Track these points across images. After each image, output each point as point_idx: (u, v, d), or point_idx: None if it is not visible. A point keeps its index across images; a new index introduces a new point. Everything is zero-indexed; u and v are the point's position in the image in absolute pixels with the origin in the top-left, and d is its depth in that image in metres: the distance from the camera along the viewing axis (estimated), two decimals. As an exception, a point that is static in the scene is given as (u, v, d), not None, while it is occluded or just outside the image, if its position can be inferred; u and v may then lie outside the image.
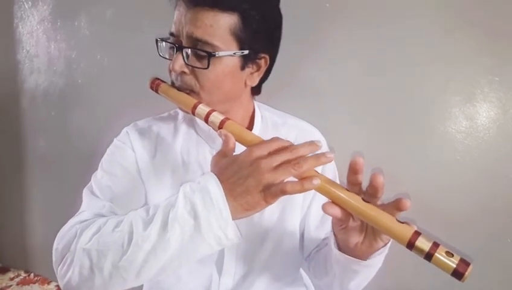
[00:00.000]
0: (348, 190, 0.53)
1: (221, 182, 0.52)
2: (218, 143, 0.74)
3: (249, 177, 0.50)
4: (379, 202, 0.53)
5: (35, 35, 1.92)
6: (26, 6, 1.92)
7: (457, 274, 0.46)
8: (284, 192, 0.50)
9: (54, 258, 0.61)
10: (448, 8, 1.08)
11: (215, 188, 0.51)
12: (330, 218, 0.59)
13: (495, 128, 1.07)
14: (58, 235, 0.62)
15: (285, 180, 0.51)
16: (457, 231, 1.07)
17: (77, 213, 0.67)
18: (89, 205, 0.68)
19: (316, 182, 0.51)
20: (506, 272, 1.09)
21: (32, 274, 2.12)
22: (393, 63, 1.16)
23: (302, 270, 0.92)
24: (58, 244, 0.61)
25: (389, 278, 1.11)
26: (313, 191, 0.79)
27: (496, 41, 1.04)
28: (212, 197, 0.51)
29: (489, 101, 1.07)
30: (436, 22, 1.10)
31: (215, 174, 0.53)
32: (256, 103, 0.82)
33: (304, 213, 0.81)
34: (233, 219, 0.52)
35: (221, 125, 0.61)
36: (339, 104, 1.24)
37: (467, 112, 1.09)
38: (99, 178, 0.72)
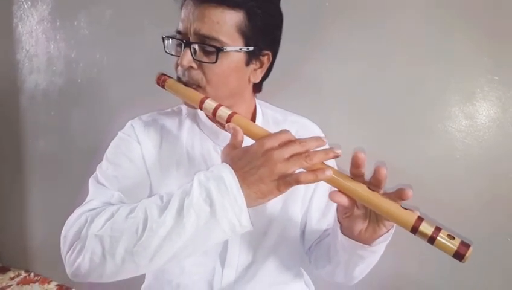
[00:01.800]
0: (353, 179, 0.55)
1: (235, 171, 0.54)
2: (222, 138, 0.75)
3: (262, 167, 0.52)
4: (381, 191, 0.55)
5: (34, 35, 1.92)
6: (26, 6, 1.92)
7: (459, 256, 0.48)
8: (298, 181, 0.52)
9: (61, 246, 0.61)
10: (448, 8, 1.09)
11: (229, 176, 0.53)
12: (331, 210, 0.61)
13: (494, 128, 1.08)
14: (66, 223, 0.63)
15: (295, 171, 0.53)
16: (457, 229, 1.06)
17: (85, 202, 0.67)
18: (96, 194, 0.69)
19: (329, 173, 0.53)
20: (506, 271, 1.10)
21: (32, 274, 2.13)
22: (393, 62, 1.16)
23: (303, 270, 0.92)
24: (67, 231, 0.61)
25: (390, 267, 1.12)
26: (314, 184, 0.80)
27: (495, 41, 1.05)
28: (227, 184, 0.52)
29: (488, 100, 1.07)
30: (436, 22, 1.11)
31: (228, 164, 0.55)
32: (257, 101, 0.83)
33: (306, 206, 0.83)
34: (247, 207, 0.53)
35: (228, 119, 0.62)
36: (340, 103, 1.25)
37: (467, 111, 1.10)
38: (104, 169, 0.73)
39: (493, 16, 1.05)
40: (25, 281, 2.07)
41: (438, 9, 1.10)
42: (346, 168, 0.57)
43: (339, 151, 0.54)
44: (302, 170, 0.54)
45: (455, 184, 1.12)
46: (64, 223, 0.64)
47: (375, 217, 0.58)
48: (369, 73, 1.19)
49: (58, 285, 2.02)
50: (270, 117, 0.84)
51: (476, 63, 1.07)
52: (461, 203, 1.11)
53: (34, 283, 2.05)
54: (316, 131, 0.88)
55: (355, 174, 0.55)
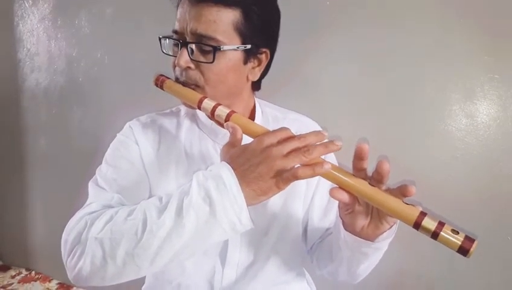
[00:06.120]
0: (354, 175, 0.54)
1: (234, 169, 0.53)
2: (221, 137, 0.75)
3: (261, 164, 0.52)
4: (384, 187, 0.54)
5: (35, 34, 1.92)
6: (27, 4, 1.93)
7: (463, 251, 0.46)
8: (296, 177, 0.51)
9: (62, 251, 0.61)
10: (448, 7, 1.09)
11: (228, 174, 0.52)
12: (333, 208, 0.59)
13: (495, 126, 1.07)
14: (66, 227, 0.63)
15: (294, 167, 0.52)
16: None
17: (85, 205, 0.67)
18: (96, 197, 0.68)
19: (327, 166, 0.52)
20: (506, 270, 1.09)
21: (33, 272, 2.13)
22: (394, 61, 1.16)
23: (305, 270, 0.92)
24: (67, 235, 0.61)
25: (391, 264, 1.11)
26: (316, 182, 0.80)
27: (495, 40, 1.05)
28: (226, 183, 0.52)
29: (489, 98, 1.07)
30: (436, 21, 1.10)
31: (227, 163, 0.54)
32: (256, 100, 0.83)
33: (308, 204, 0.82)
34: (247, 205, 0.53)
35: (227, 118, 0.62)
36: (340, 102, 1.25)
37: (467, 109, 1.10)
38: (104, 172, 0.72)
39: (493, 15, 1.05)
40: (26, 280, 2.08)
41: (438, 8, 1.10)
42: (348, 168, 0.56)
43: (339, 144, 0.53)
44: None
45: (455, 183, 1.12)
46: (65, 222, 0.64)
47: (377, 214, 0.57)
48: (370, 72, 1.19)
49: (59, 283, 2.03)
50: (270, 115, 0.83)
51: (477, 62, 1.07)
52: (461, 202, 1.11)
53: (35, 281, 2.06)
54: (317, 129, 0.87)
55: (358, 167, 0.55)
